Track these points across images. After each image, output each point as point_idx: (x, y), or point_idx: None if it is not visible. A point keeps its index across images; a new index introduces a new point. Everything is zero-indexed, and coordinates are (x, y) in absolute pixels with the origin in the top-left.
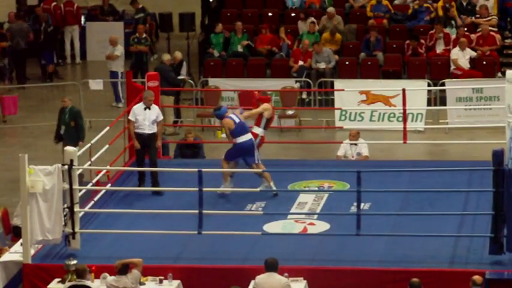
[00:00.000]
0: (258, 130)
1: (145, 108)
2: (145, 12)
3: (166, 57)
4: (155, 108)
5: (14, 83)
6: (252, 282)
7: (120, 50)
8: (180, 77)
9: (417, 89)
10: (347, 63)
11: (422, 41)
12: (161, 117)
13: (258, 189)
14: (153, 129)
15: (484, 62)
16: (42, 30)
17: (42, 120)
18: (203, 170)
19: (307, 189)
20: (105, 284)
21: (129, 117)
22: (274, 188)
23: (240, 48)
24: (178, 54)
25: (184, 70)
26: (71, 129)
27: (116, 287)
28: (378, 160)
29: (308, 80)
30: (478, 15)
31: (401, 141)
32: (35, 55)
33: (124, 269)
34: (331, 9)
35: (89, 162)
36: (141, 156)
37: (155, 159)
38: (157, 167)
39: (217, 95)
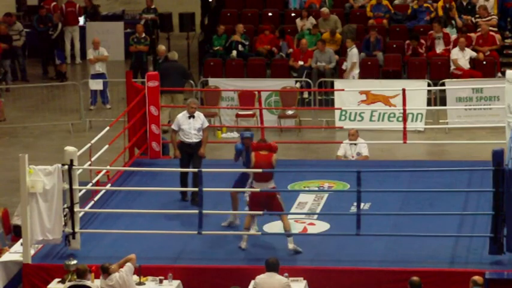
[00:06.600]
0: None
1: (189, 117)
2: (156, 13)
3: (175, 55)
4: (200, 116)
5: (17, 83)
6: (252, 282)
7: (105, 51)
8: None
9: (417, 89)
10: None
11: (423, 41)
12: (206, 124)
13: (258, 189)
14: (199, 138)
15: (484, 62)
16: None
17: (42, 120)
18: (203, 170)
19: (307, 189)
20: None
21: (172, 127)
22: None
23: (240, 48)
24: (162, 48)
25: None
26: None
27: (111, 286)
28: (378, 160)
29: (308, 80)
30: (478, 15)
31: (402, 141)
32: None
33: (105, 269)
34: (324, 10)
35: (89, 162)
36: (186, 165)
37: (199, 167)
38: (200, 176)
39: (217, 95)
